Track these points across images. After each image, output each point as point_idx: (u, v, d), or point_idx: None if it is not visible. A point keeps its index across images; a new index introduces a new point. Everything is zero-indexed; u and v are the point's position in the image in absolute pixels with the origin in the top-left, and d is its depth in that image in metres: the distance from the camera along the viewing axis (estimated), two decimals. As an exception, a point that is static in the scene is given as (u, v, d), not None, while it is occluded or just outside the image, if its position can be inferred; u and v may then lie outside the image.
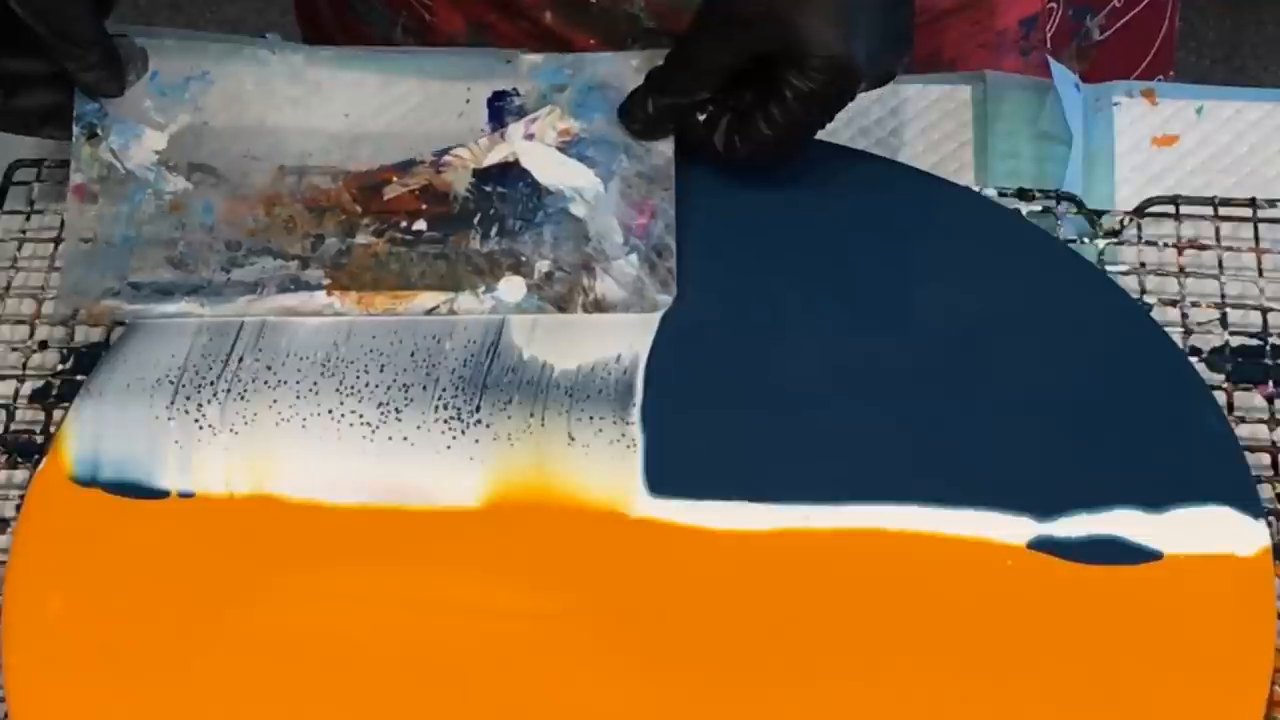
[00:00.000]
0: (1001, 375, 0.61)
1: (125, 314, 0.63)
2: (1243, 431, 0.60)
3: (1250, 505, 0.57)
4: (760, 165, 0.63)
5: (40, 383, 0.64)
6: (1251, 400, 0.62)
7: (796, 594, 0.56)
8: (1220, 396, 0.61)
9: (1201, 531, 0.57)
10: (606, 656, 0.55)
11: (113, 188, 0.64)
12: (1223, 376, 0.63)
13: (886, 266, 0.64)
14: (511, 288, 0.62)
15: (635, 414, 0.60)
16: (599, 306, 0.62)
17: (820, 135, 0.62)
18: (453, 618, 0.56)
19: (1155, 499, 0.57)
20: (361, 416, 0.60)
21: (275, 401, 0.61)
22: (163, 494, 0.59)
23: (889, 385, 0.61)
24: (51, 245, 0.68)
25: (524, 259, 0.62)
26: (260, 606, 0.57)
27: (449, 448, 0.60)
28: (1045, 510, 0.57)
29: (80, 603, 0.57)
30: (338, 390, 0.61)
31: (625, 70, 0.65)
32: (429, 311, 0.62)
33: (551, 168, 0.64)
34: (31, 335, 0.65)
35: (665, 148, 0.64)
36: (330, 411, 0.60)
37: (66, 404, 0.62)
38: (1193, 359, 0.62)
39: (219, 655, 0.55)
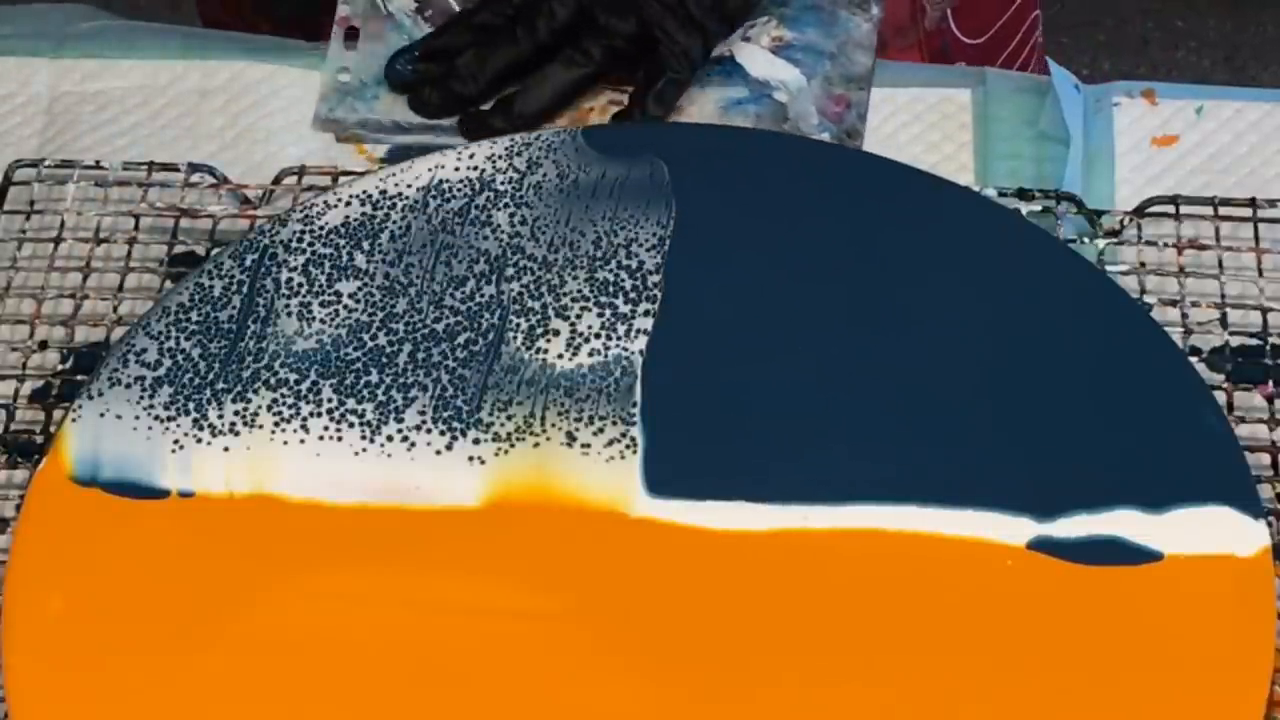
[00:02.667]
0: (1001, 375, 0.61)
1: (368, 140, 0.72)
2: (1243, 431, 0.60)
3: (1250, 505, 0.57)
4: None
5: (40, 383, 0.64)
6: (1251, 400, 0.62)
7: (796, 594, 0.56)
8: (1220, 396, 0.61)
9: (1201, 532, 0.57)
10: (606, 656, 0.55)
11: (372, 26, 0.74)
12: (1223, 376, 0.63)
13: (886, 266, 0.64)
14: None
15: (635, 414, 0.60)
16: None
17: (819, 135, 0.63)
18: (453, 618, 0.56)
19: (1155, 499, 0.57)
20: (361, 416, 0.60)
21: (275, 401, 0.61)
22: (163, 494, 0.59)
23: (888, 385, 0.61)
24: (51, 245, 0.68)
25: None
26: (260, 606, 0.57)
27: (449, 448, 0.60)
28: (1045, 510, 0.57)
29: (80, 603, 0.57)
30: (338, 390, 0.61)
31: None
32: None
33: (762, 65, 0.71)
34: (31, 335, 0.65)
35: (866, 58, 0.72)
36: (330, 411, 0.60)
37: (66, 404, 0.62)
38: (1193, 359, 0.62)
39: (219, 655, 0.56)
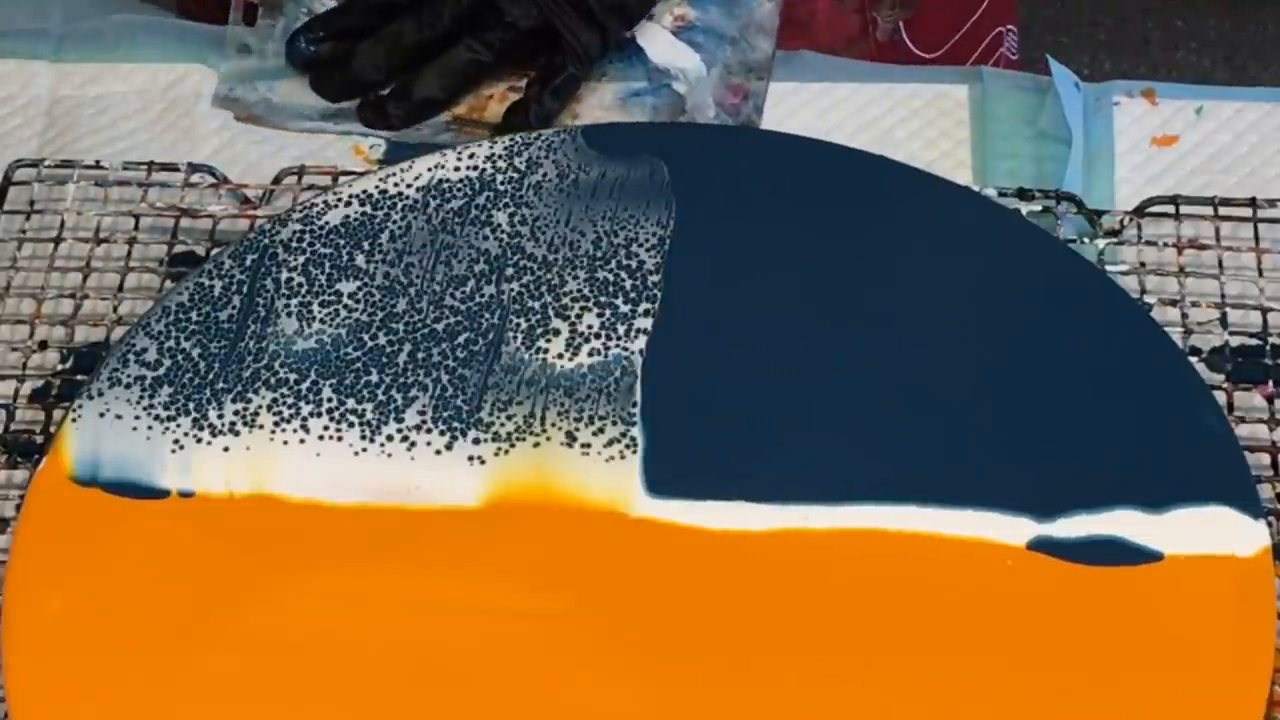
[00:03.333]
0: (1001, 375, 0.61)
1: (269, 123, 0.71)
2: (1243, 431, 0.60)
3: (1250, 505, 0.57)
4: None
5: (40, 383, 0.64)
6: (1251, 400, 0.62)
7: (795, 594, 0.56)
8: (1220, 396, 0.61)
9: (1201, 532, 0.57)
10: (606, 656, 0.55)
11: (271, 1, 0.73)
12: (1223, 376, 0.63)
13: (886, 266, 0.64)
14: None
15: (635, 414, 0.60)
16: None
17: (819, 135, 0.63)
18: (453, 618, 0.56)
19: (1155, 499, 0.57)
20: (361, 416, 0.60)
21: (275, 401, 0.61)
22: (163, 494, 0.59)
23: (888, 385, 0.61)
24: (51, 245, 0.68)
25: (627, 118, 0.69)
26: (260, 606, 0.57)
27: (449, 447, 0.60)
28: (1045, 511, 0.57)
29: (80, 603, 0.57)
30: (338, 390, 0.61)
31: None
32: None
33: (664, 49, 0.71)
34: (31, 335, 0.65)
35: (766, 44, 0.71)
36: (330, 411, 0.60)
37: (66, 404, 0.62)
38: (1193, 359, 0.62)
39: (219, 655, 0.55)
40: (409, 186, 0.66)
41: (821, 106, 0.72)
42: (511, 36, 0.70)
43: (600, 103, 0.70)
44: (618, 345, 0.62)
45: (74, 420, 0.60)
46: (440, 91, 0.71)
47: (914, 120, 0.71)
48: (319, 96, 0.73)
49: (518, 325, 0.62)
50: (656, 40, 0.71)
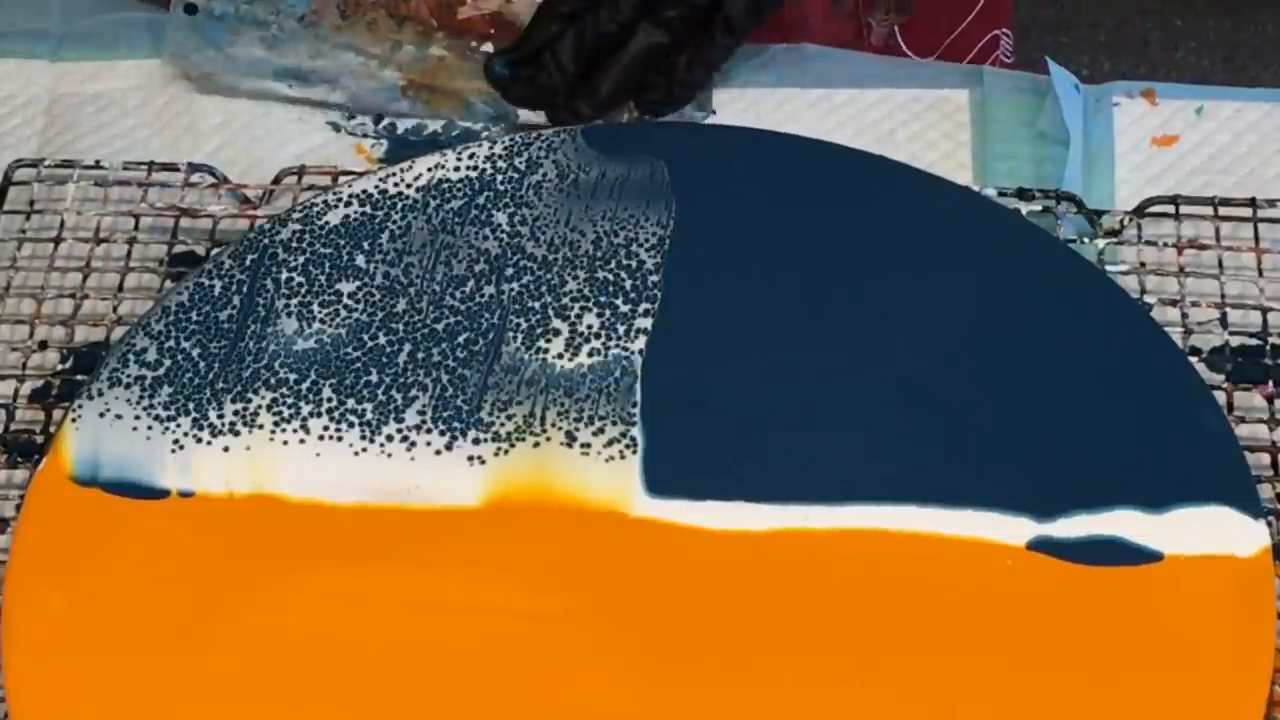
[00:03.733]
0: (1001, 375, 0.61)
1: (223, 83, 0.71)
2: (1243, 431, 0.60)
3: (1250, 505, 0.57)
4: None
5: (40, 383, 0.64)
6: (1251, 400, 0.62)
7: (795, 594, 0.56)
8: (1220, 396, 0.61)
9: (1201, 532, 0.57)
10: (606, 656, 0.55)
11: None
12: (1223, 376, 0.63)
13: (886, 266, 0.64)
14: None
15: (635, 414, 0.60)
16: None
17: (819, 135, 0.63)
18: (453, 618, 0.56)
19: (1155, 499, 0.57)
20: (361, 416, 0.60)
21: (275, 401, 0.61)
22: (163, 494, 0.59)
23: (888, 385, 0.61)
24: (51, 245, 0.68)
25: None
26: (260, 606, 0.57)
27: (449, 447, 0.60)
28: (1045, 511, 0.57)
29: (80, 603, 0.57)
30: (338, 390, 0.61)
31: None
32: (490, 118, 0.71)
33: None
34: (31, 335, 0.65)
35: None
36: (330, 411, 0.60)
37: (66, 404, 0.62)
38: (1193, 359, 0.62)
39: (219, 655, 0.56)
40: (409, 186, 0.66)
41: (822, 110, 0.72)
42: (686, 12, 0.69)
43: None
44: (618, 345, 0.62)
45: (74, 420, 0.60)
46: (625, 82, 0.70)
47: (915, 123, 0.72)
48: (509, 104, 0.72)
49: (518, 325, 0.62)
50: None
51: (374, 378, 0.61)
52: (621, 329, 0.62)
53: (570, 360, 0.62)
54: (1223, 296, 0.64)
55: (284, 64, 0.71)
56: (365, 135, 0.73)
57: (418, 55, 0.71)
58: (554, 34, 0.70)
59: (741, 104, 0.73)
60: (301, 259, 0.64)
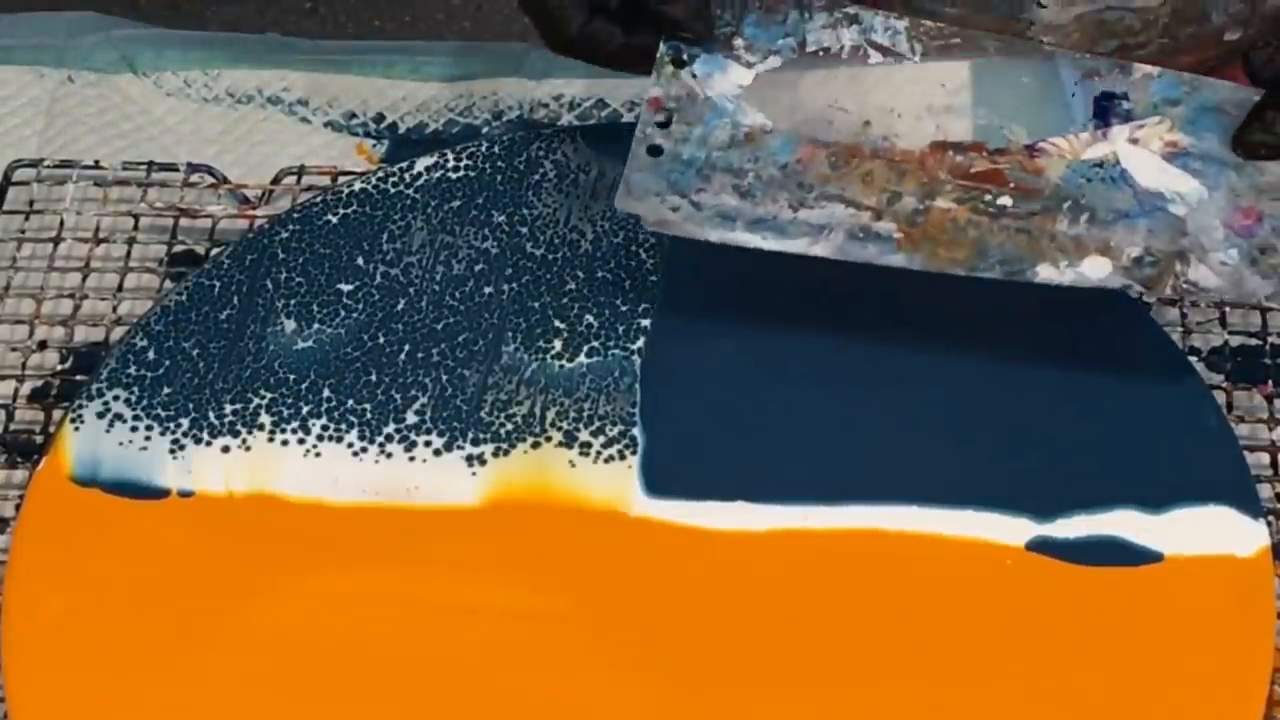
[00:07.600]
0: (1000, 375, 0.61)
1: (684, 230, 0.61)
2: (1243, 431, 0.60)
3: (1250, 505, 0.57)
4: None
5: (40, 383, 0.64)
6: (1251, 400, 0.62)
7: (795, 594, 0.56)
8: (1220, 396, 0.61)
9: (1201, 532, 0.57)
10: (606, 656, 0.55)
11: (689, 109, 0.63)
12: (1222, 376, 0.63)
13: (885, 267, 0.63)
14: (1095, 266, 0.60)
15: (635, 414, 0.60)
16: (1191, 290, 0.60)
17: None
18: (453, 618, 0.56)
19: (1155, 499, 0.57)
20: (361, 416, 0.60)
21: (275, 401, 0.61)
22: (163, 494, 0.59)
23: (887, 385, 0.61)
24: (51, 245, 0.68)
25: (1113, 244, 0.61)
26: (260, 606, 0.57)
27: (448, 447, 0.60)
28: (1044, 511, 0.57)
29: (80, 603, 0.57)
30: (337, 390, 0.61)
31: (1245, 100, 0.63)
32: (1003, 273, 0.61)
33: (1153, 173, 0.63)
34: (31, 335, 0.65)
35: (1276, 166, 0.62)
36: (330, 411, 0.60)
37: (66, 404, 0.62)
38: (1193, 359, 0.62)
39: (219, 655, 0.56)
40: (409, 186, 0.66)
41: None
42: None
43: (1077, 224, 0.62)
44: (617, 345, 0.62)
45: (73, 420, 0.60)
46: None
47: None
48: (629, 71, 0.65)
49: (517, 325, 0.62)
50: (1145, 165, 0.63)
51: (373, 378, 0.61)
52: (621, 329, 0.62)
53: (570, 360, 0.62)
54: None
55: (758, 214, 0.62)
56: (365, 135, 0.73)
57: (919, 207, 0.62)
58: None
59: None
60: (301, 259, 0.64)
